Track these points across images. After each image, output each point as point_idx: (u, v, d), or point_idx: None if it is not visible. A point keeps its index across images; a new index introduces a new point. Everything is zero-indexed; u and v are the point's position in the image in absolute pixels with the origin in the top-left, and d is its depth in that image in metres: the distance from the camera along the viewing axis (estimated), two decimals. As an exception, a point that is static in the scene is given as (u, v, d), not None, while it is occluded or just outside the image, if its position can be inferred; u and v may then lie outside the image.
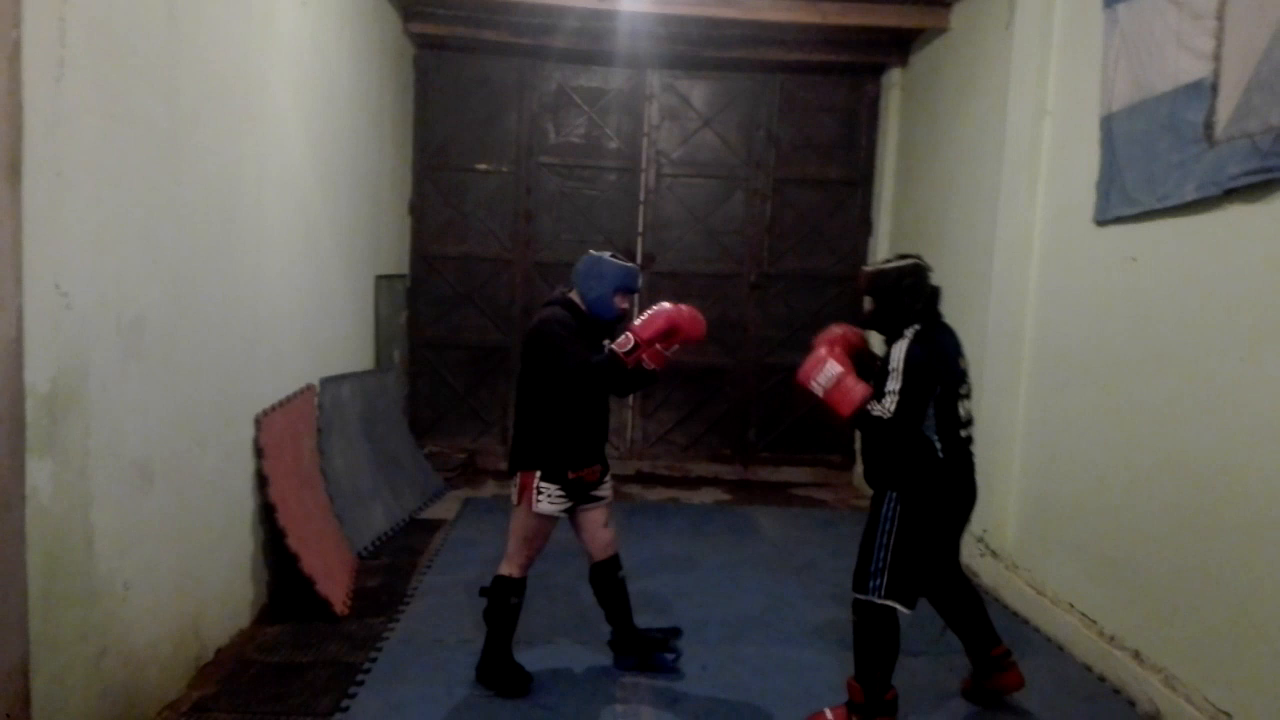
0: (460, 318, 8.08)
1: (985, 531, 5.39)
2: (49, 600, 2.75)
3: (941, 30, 6.69)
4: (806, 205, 8.12)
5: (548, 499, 3.71)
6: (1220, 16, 3.56)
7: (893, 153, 7.73)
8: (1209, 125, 3.62)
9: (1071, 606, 4.51)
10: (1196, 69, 3.69)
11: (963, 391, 3.50)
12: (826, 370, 3.45)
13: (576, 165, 8.05)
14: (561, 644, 4.22)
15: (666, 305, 3.65)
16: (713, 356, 8.05)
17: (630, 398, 8.20)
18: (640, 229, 8.11)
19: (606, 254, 3.76)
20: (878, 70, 7.84)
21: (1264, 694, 3.24)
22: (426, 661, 4.03)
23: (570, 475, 3.73)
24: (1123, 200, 4.20)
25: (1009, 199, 5.27)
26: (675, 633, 4.18)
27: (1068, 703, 3.93)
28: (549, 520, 3.77)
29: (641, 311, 3.72)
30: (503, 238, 8.01)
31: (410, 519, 6.22)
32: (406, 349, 7.83)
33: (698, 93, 8.06)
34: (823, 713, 3.59)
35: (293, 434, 4.76)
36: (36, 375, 2.66)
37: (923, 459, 3.43)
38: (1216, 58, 3.57)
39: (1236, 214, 3.50)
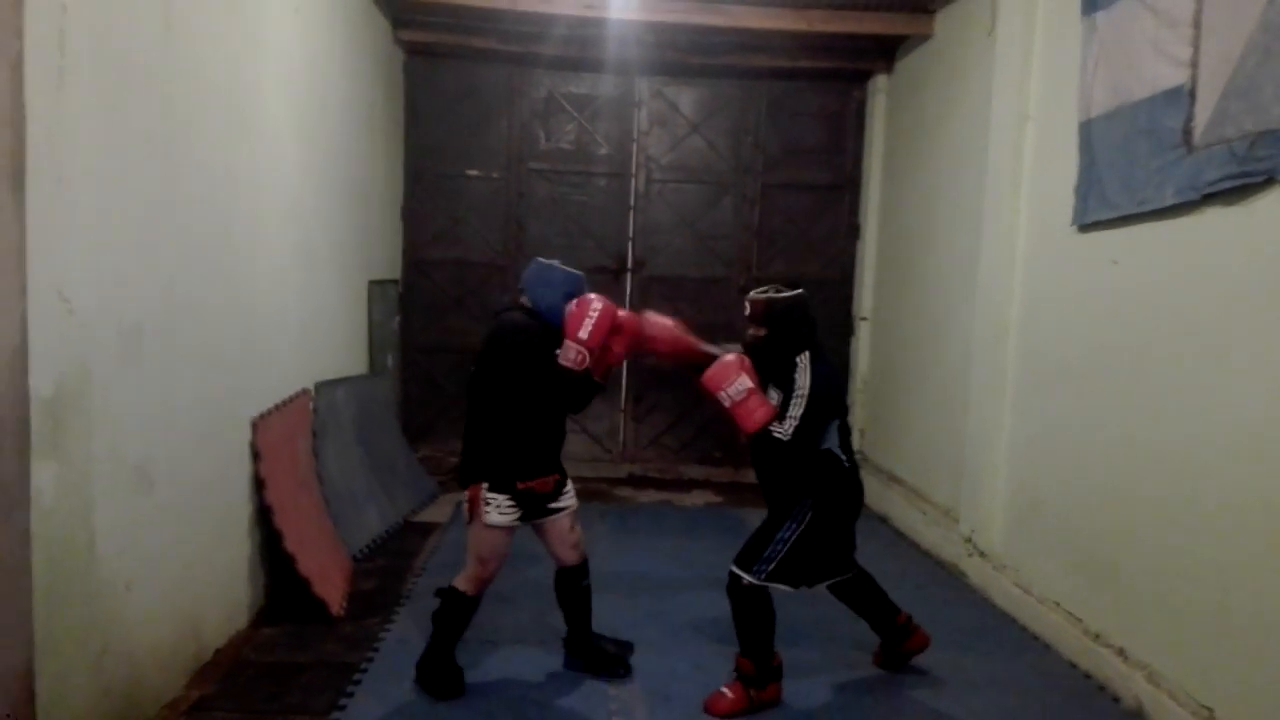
0: (452, 323, 8.12)
1: (973, 532, 5.46)
2: (52, 600, 2.79)
3: (926, 37, 6.79)
4: (794, 210, 8.21)
5: (496, 510, 3.66)
6: (1197, 25, 3.64)
7: (879, 158, 7.82)
8: (1187, 131, 3.70)
9: (1057, 605, 4.58)
10: (1174, 76, 3.77)
11: (848, 406, 3.77)
12: (738, 384, 3.58)
13: (567, 171, 8.11)
14: (552, 646, 4.25)
15: (597, 301, 3.63)
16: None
17: (622, 401, 8.27)
18: (630, 234, 8.17)
19: (556, 261, 3.75)
20: (864, 77, 7.93)
21: (1245, 689, 3.32)
22: (422, 661, 4.08)
23: (519, 486, 3.67)
24: (1102, 204, 4.29)
25: (993, 203, 5.35)
26: (628, 648, 4.12)
27: (1053, 699, 4.00)
28: (502, 533, 3.71)
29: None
30: (494, 243, 8.07)
31: (404, 522, 6.27)
32: (399, 354, 7.88)
33: (686, 99, 8.14)
34: (720, 691, 3.78)
35: (288, 437, 4.81)
36: (40, 380, 2.71)
37: (833, 472, 3.74)
38: (1194, 65, 3.65)
39: (1214, 217, 3.59)
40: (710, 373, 3.62)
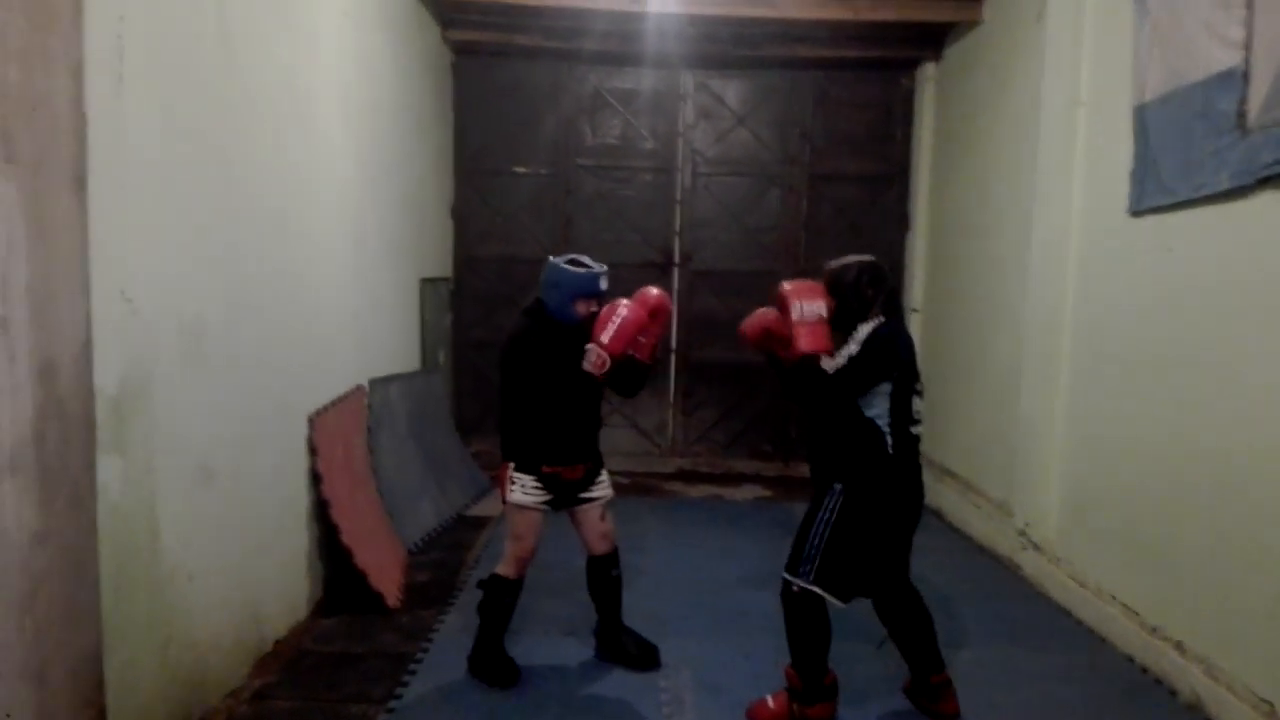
0: (502, 319, 8.15)
1: (1027, 525, 5.40)
2: (119, 590, 2.90)
3: (974, 23, 6.70)
4: (843, 202, 8.15)
5: (521, 489, 3.76)
6: (1250, 5, 3.56)
7: (928, 147, 7.74)
8: (1241, 114, 3.62)
9: (1114, 598, 4.52)
10: (1228, 58, 3.70)
11: (917, 388, 3.51)
12: (816, 305, 3.41)
13: (613, 166, 8.15)
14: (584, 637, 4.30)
15: (624, 307, 3.63)
16: (752, 354, 8.08)
17: (671, 396, 8.29)
18: (677, 228, 8.19)
19: (564, 260, 3.75)
20: (911, 65, 7.84)
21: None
22: (475, 652, 4.14)
23: (545, 470, 3.75)
24: (1158, 190, 4.21)
25: (1045, 190, 5.27)
26: (651, 652, 4.09)
27: (1109, 693, 3.95)
28: (530, 513, 3.79)
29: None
30: (542, 239, 8.12)
31: (458, 516, 6.36)
32: (451, 350, 7.98)
33: (731, 91, 8.12)
34: (764, 699, 3.65)
35: (344, 433, 4.90)
36: (105, 377, 2.81)
37: (873, 451, 3.42)
38: (1247, 46, 3.57)
39: (1270, 202, 3.50)
40: (797, 283, 3.48)
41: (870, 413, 3.42)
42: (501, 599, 3.89)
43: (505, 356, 3.78)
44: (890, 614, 3.69)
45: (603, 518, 3.98)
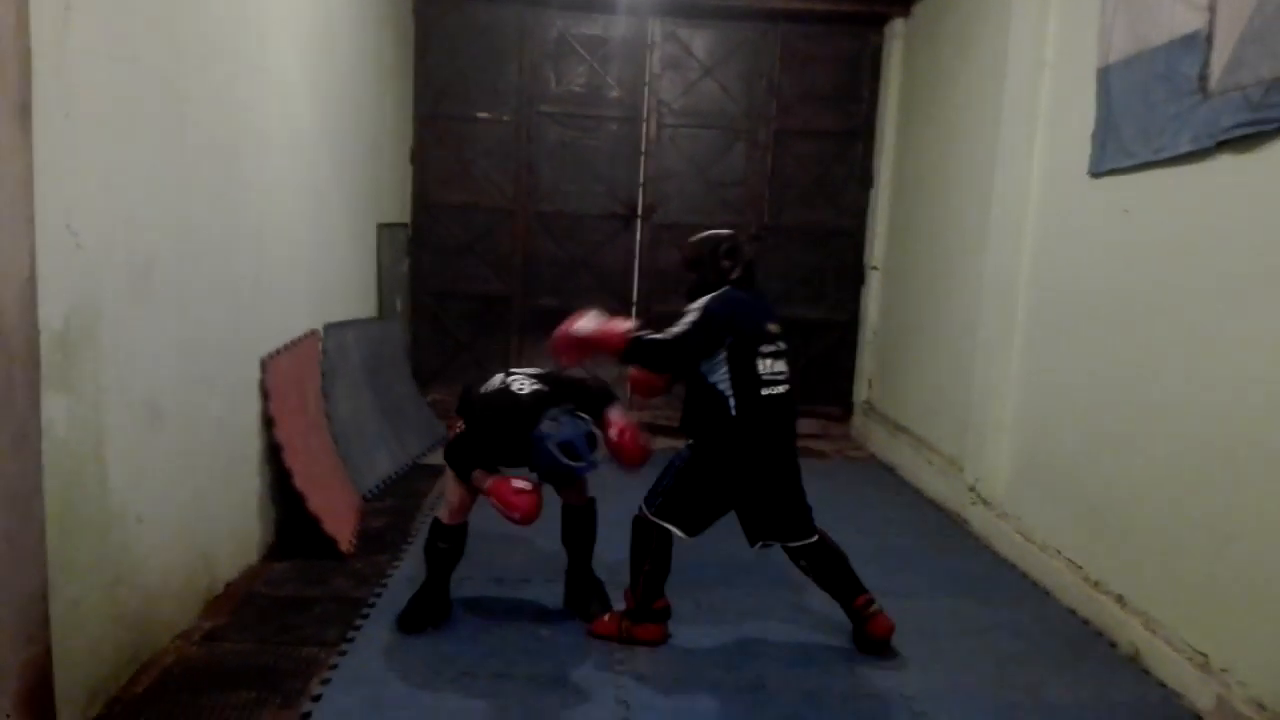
0: (462, 267, 8.12)
1: (977, 480, 5.49)
2: (65, 530, 2.84)
3: (944, -20, 6.67)
4: (808, 157, 8.12)
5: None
6: (1216, -32, 3.58)
7: (894, 104, 7.73)
8: (1203, 77, 3.65)
9: (1058, 553, 4.62)
10: (1192, 21, 3.71)
11: (766, 350, 3.63)
12: (587, 320, 3.68)
13: (578, 114, 8.04)
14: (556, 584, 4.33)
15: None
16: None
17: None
18: (641, 180, 8.12)
19: (555, 443, 3.47)
20: (880, 21, 7.80)
21: (1240, 636, 3.35)
22: (429, 597, 4.15)
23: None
24: (1119, 152, 4.24)
25: (1007, 150, 5.30)
26: (608, 606, 4.09)
27: (1051, 644, 4.04)
28: None
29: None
30: (504, 187, 8.04)
31: (414, 464, 6.34)
32: (409, 298, 7.90)
33: (699, 41, 8.03)
34: (600, 616, 3.92)
35: (298, 377, 4.85)
36: (50, 313, 2.73)
37: (716, 414, 3.60)
38: (1211, 10, 3.59)
39: (1229, 165, 3.54)
40: (558, 330, 3.73)
41: (712, 378, 3.60)
42: (434, 543, 3.91)
43: (469, 415, 3.93)
44: (799, 559, 3.87)
45: None
